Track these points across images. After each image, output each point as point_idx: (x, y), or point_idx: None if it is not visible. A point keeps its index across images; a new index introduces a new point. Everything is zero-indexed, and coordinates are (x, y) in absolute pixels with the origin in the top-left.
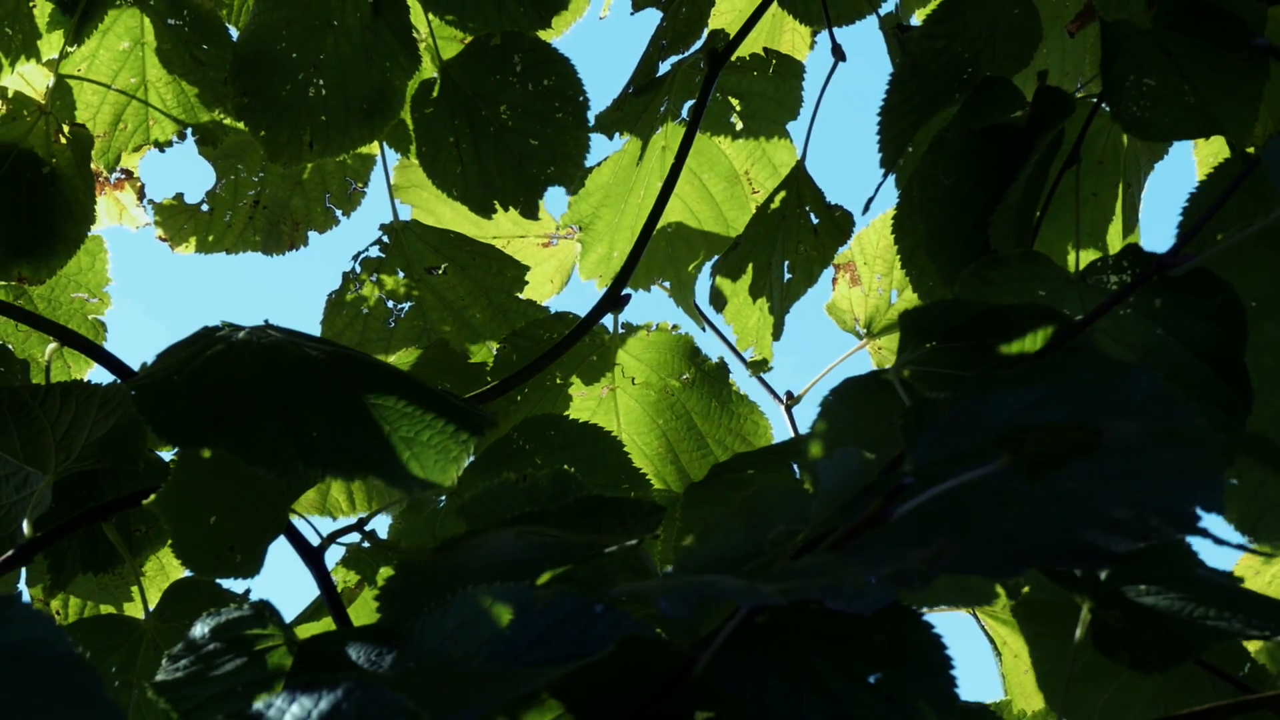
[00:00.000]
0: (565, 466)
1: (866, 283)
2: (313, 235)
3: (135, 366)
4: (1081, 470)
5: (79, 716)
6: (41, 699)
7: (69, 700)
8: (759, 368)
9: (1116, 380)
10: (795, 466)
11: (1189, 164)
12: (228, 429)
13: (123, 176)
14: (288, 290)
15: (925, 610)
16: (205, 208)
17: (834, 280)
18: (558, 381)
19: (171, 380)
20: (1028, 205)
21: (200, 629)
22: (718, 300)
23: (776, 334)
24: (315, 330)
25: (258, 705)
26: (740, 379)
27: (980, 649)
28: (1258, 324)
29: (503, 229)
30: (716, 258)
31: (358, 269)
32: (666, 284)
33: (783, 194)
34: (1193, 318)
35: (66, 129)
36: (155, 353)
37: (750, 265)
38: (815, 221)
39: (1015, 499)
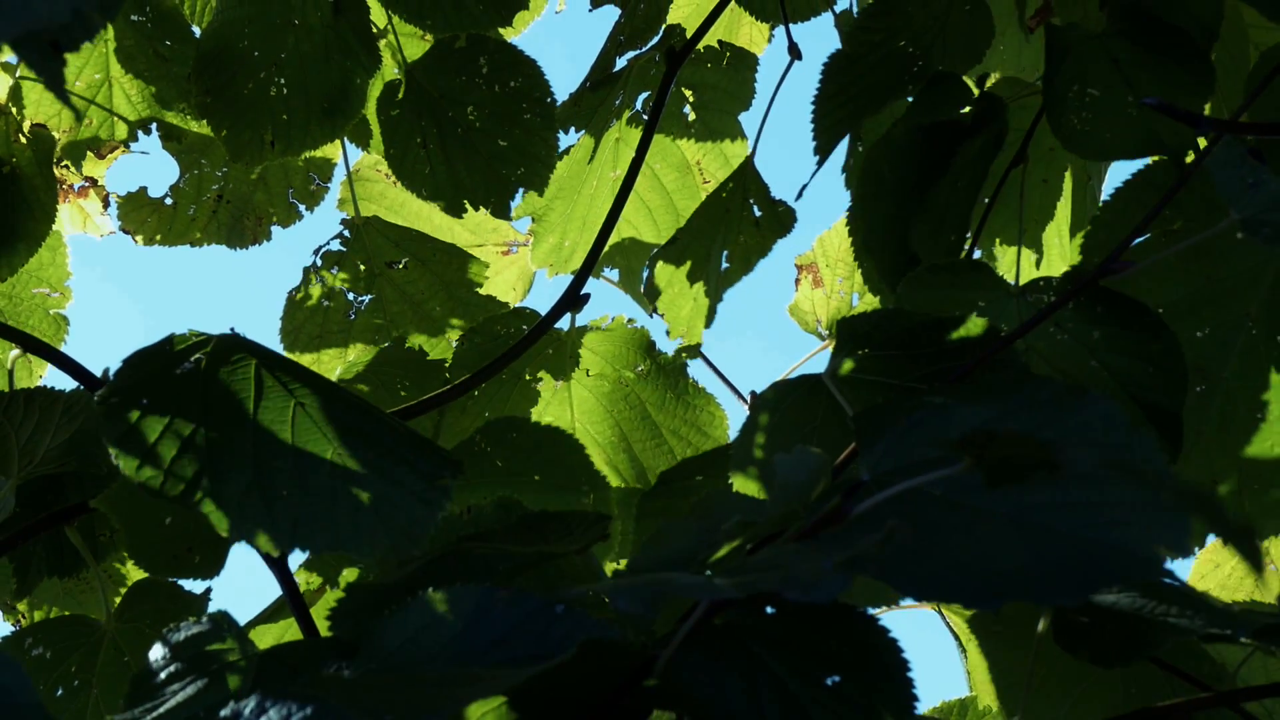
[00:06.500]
0: (527, 468)
1: (829, 285)
2: (276, 229)
3: (104, 352)
4: (1044, 495)
5: None
6: None
7: None
8: (690, 354)
9: (1077, 404)
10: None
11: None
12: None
13: (87, 184)
14: (255, 279)
15: (889, 607)
16: (169, 201)
17: (797, 282)
18: (514, 376)
19: (141, 404)
20: (961, 211)
21: (159, 651)
22: (652, 291)
23: (708, 321)
24: (277, 323)
25: (224, 713)
26: (705, 378)
27: (945, 643)
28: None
29: (460, 238)
30: (655, 249)
31: (318, 263)
32: (614, 272)
33: (730, 186)
34: (1131, 358)
35: (27, 128)
36: (121, 357)
37: (690, 255)
38: (758, 214)
39: (979, 519)
